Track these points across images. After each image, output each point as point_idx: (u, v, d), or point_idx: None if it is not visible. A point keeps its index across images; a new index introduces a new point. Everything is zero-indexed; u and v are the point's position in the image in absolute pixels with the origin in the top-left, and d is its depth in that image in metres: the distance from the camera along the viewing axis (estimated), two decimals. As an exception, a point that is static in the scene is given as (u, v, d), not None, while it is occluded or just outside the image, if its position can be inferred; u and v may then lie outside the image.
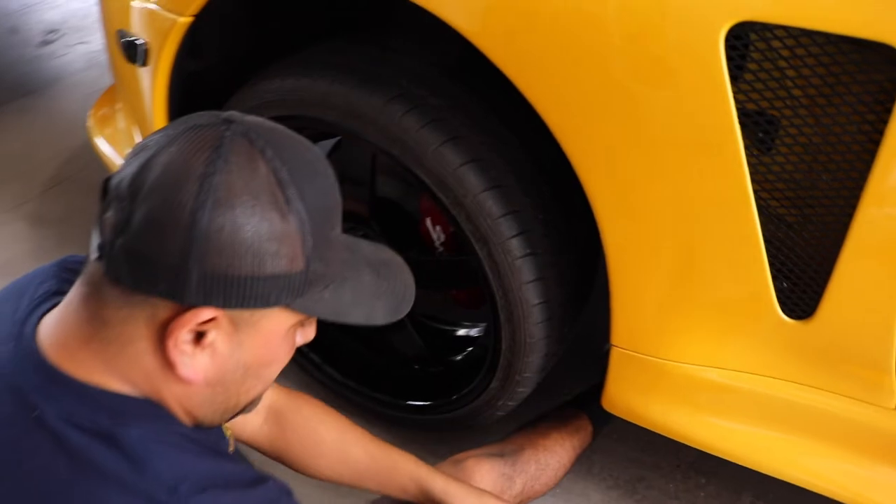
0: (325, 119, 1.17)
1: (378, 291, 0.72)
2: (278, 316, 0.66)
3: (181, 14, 1.22)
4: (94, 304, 0.64)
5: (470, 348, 1.47)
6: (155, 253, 0.59)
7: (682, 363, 1.08)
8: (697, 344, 1.06)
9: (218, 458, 0.71)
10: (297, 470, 1.06)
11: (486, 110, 1.13)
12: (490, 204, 1.08)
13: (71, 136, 2.39)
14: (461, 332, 1.55)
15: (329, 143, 1.44)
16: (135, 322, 0.62)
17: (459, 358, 1.47)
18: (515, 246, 1.10)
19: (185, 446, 0.67)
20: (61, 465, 0.62)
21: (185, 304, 0.61)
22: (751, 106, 0.88)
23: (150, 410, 0.66)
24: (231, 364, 0.66)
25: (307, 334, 0.73)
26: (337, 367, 1.49)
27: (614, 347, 1.12)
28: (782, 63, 0.85)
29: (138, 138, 1.65)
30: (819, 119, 0.87)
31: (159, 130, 0.65)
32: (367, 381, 1.47)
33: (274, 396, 1.05)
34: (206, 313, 0.62)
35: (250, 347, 0.66)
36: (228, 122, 0.64)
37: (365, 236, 1.32)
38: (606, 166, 0.96)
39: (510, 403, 1.29)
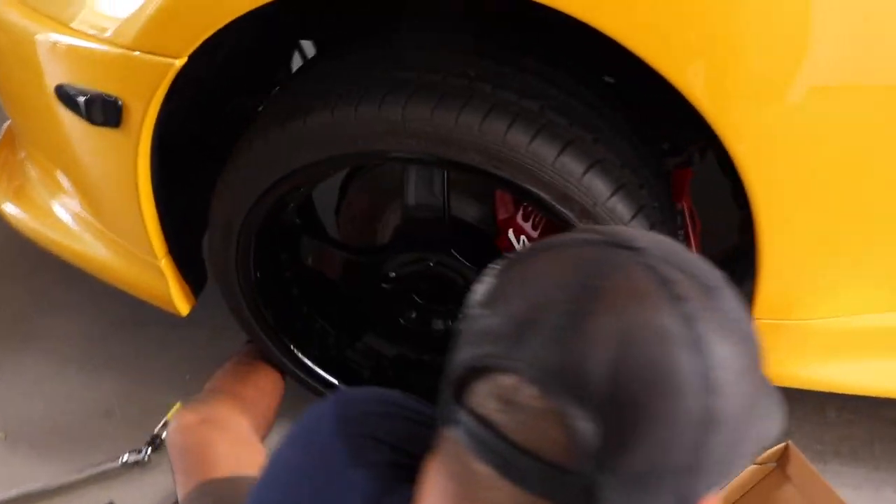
0: (399, 150, 0.99)
1: None
2: None
3: (176, 56, 0.96)
4: None
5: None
6: (659, 468, 0.46)
7: (832, 318, 1.06)
8: (848, 296, 1.04)
9: None
10: None
11: (581, 103, 1.01)
12: (620, 207, 0.98)
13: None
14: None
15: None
16: None
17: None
18: (650, 245, 1.01)
19: None
20: None
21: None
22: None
23: None
24: None
25: None
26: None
27: (758, 321, 1.07)
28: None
29: (71, 200, 1.33)
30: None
31: (525, 276, 0.48)
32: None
33: None
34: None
35: None
36: (649, 255, 0.48)
37: (440, 264, 1.15)
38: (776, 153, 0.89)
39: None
